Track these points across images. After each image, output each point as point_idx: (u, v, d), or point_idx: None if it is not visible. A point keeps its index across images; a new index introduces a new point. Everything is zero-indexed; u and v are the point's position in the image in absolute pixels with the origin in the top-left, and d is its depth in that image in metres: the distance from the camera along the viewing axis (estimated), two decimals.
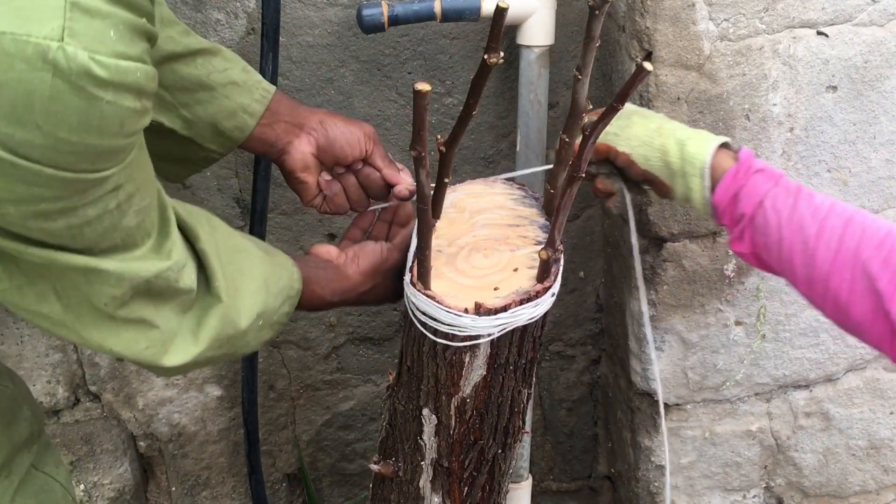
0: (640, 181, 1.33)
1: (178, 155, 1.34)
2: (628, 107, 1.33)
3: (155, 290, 1.04)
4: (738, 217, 1.24)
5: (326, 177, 1.37)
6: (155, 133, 1.28)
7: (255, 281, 1.18)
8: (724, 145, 1.27)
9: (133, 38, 0.87)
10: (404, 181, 1.37)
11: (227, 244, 1.17)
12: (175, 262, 1.05)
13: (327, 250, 1.32)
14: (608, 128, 1.28)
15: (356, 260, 1.31)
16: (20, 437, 1.20)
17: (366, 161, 1.37)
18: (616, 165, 1.34)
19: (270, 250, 1.26)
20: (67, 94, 0.81)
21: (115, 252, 0.98)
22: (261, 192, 1.62)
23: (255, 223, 1.64)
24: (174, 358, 1.09)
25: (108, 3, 0.83)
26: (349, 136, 1.34)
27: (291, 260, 1.27)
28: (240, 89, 1.31)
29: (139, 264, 1.01)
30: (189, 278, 1.08)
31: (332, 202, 1.39)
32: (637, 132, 1.31)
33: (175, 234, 1.07)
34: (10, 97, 0.79)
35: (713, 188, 1.25)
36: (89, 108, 0.83)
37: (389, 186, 1.37)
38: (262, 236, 1.65)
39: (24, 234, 0.92)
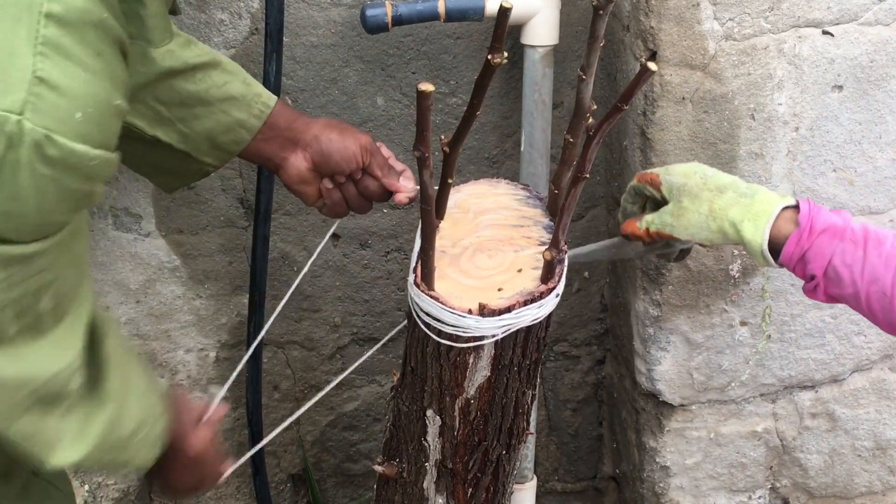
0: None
1: (174, 167, 1.33)
2: (672, 181, 1.34)
3: (46, 398, 0.99)
4: (808, 276, 1.25)
5: (328, 184, 1.37)
6: (151, 146, 1.28)
7: (140, 388, 1.14)
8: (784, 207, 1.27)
9: (102, 121, 0.88)
10: (404, 188, 1.37)
11: (123, 347, 1.13)
12: (72, 360, 1.01)
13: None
14: (662, 216, 1.33)
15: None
16: None
17: (364, 171, 1.36)
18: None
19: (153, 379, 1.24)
20: (13, 167, 0.82)
21: (15, 340, 0.94)
22: (265, 192, 1.62)
23: (259, 223, 1.64)
24: (59, 458, 1.03)
25: (82, 83, 0.84)
26: (344, 150, 1.33)
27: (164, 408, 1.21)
28: (238, 104, 1.31)
29: (39, 363, 0.97)
30: (77, 380, 1.03)
31: (333, 209, 1.39)
32: (691, 220, 1.31)
33: (82, 330, 1.03)
34: None
35: (778, 254, 1.26)
36: (32, 185, 0.84)
37: (389, 192, 1.38)
38: (266, 236, 1.66)
39: None
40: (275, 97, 1.35)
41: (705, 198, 1.31)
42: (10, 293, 0.91)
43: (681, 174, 1.34)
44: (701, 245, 1.38)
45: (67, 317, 1.00)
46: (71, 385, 1.01)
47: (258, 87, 1.34)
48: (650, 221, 1.35)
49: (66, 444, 1.03)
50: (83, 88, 0.85)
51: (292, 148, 1.34)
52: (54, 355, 0.99)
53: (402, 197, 1.37)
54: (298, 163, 1.34)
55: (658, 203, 1.38)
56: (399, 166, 1.39)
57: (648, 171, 1.38)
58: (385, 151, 1.39)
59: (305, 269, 1.50)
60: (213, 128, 1.30)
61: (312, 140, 1.34)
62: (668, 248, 1.40)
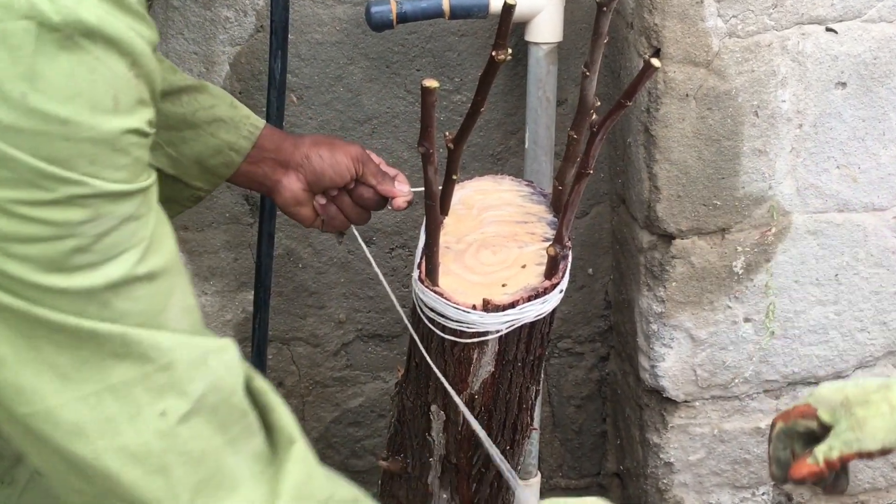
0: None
1: (165, 195, 1.26)
2: (830, 400, 1.22)
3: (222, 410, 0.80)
4: None
5: (321, 200, 1.35)
6: None
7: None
8: None
9: None
10: (400, 193, 1.35)
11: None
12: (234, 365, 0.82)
13: None
14: (841, 437, 1.19)
15: None
16: None
17: (358, 181, 1.35)
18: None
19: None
20: (52, 48, 0.69)
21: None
22: None
23: (265, 220, 1.64)
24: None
25: None
26: (336, 165, 1.32)
27: None
28: (226, 126, 1.30)
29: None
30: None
31: (331, 224, 1.37)
32: (877, 424, 1.20)
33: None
34: None
35: None
36: (75, 68, 0.69)
37: (386, 199, 1.36)
38: (270, 234, 1.66)
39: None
40: (263, 121, 1.34)
41: (877, 399, 1.21)
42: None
43: (832, 392, 1.23)
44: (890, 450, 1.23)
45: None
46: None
47: (246, 110, 1.33)
48: (829, 450, 1.20)
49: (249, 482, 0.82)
50: None
51: (283, 170, 1.32)
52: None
53: (399, 201, 1.35)
54: (292, 184, 1.33)
55: (813, 436, 1.25)
56: (391, 171, 1.37)
57: (791, 408, 1.27)
58: (375, 158, 1.38)
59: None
60: (202, 151, 1.29)
61: (303, 160, 1.32)
62: (837, 480, 1.26)
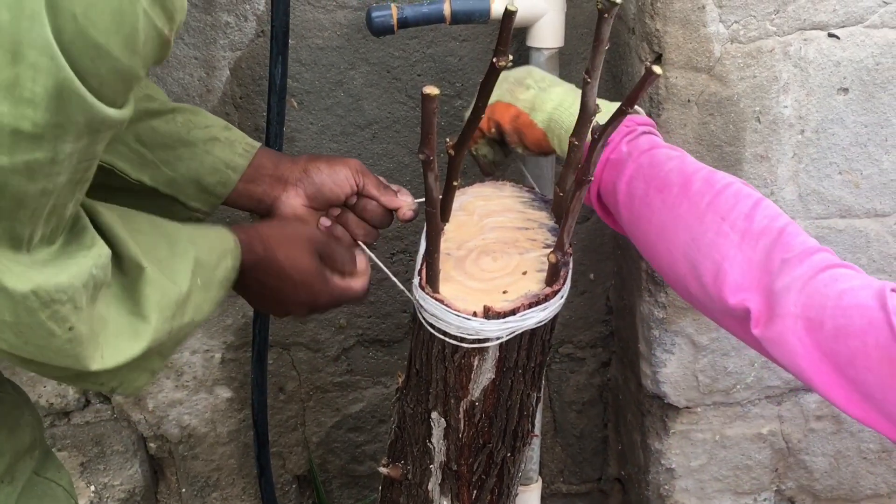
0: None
1: (163, 216, 1.30)
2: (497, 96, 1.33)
3: (93, 286, 0.93)
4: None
5: (326, 222, 1.34)
6: (137, 194, 1.26)
7: (180, 239, 1.09)
8: None
9: None
10: (404, 203, 1.35)
11: (127, 216, 1.06)
12: (102, 250, 0.95)
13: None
14: (499, 95, 1.32)
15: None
16: (23, 444, 1.19)
17: (360, 194, 1.34)
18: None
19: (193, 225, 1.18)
20: None
21: (37, 249, 0.88)
22: None
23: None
24: (135, 346, 0.98)
25: None
26: (335, 177, 1.31)
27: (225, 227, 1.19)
28: (221, 145, 1.29)
29: (80, 262, 0.91)
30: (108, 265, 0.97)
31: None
32: (526, 96, 1.31)
33: (86, 220, 0.96)
34: None
35: None
36: (125, 9, 0.77)
37: (390, 211, 1.36)
38: None
39: None
40: (257, 142, 1.33)
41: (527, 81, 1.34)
42: (69, 173, 0.84)
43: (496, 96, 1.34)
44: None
45: (73, 221, 0.93)
46: (108, 273, 0.95)
47: (239, 132, 1.33)
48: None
49: (128, 332, 0.98)
50: None
51: (282, 187, 1.32)
52: (83, 256, 0.92)
53: (406, 211, 1.35)
54: (291, 200, 1.32)
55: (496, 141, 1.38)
56: (394, 186, 1.37)
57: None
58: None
59: None
60: (199, 169, 1.28)
61: (301, 174, 1.32)
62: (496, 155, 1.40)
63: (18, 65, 0.75)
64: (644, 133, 1.21)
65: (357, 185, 1.33)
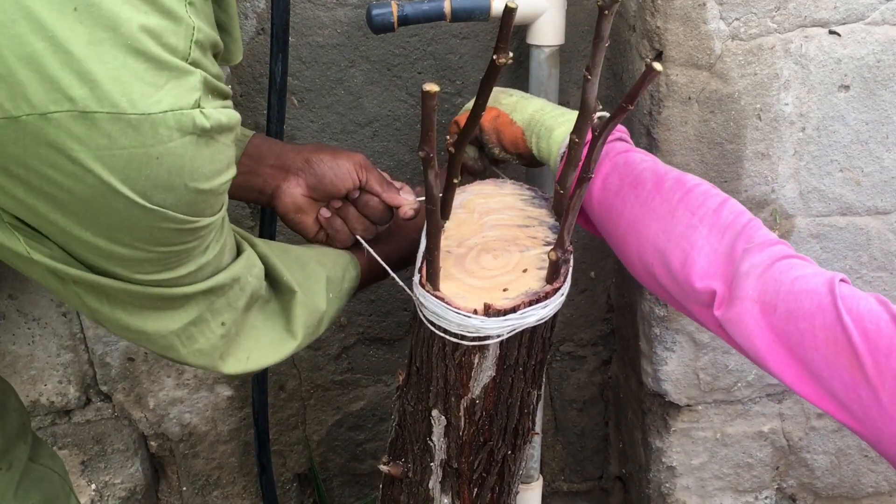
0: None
1: None
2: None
3: (249, 293, 1.15)
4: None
5: (326, 213, 1.34)
6: None
7: (310, 262, 1.27)
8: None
9: (223, 76, 0.97)
10: (406, 200, 1.35)
11: (269, 243, 1.24)
12: (255, 260, 1.17)
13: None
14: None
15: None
16: (13, 429, 1.21)
17: (362, 189, 1.34)
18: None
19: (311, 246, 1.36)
20: (203, 148, 0.91)
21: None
22: None
23: (266, 223, 1.64)
24: (279, 355, 1.21)
25: (207, 69, 0.93)
26: (338, 169, 1.31)
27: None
28: None
29: (233, 265, 1.11)
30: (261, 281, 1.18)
31: (336, 238, 1.36)
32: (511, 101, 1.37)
33: (244, 243, 1.17)
34: (167, 167, 0.89)
35: None
36: (215, 155, 0.93)
37: (391, 208, 1.35)
38: (272, 236, 1.66)
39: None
40: (251, 130, 1.34)
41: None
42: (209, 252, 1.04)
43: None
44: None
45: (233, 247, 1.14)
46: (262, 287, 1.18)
47: None
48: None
49: (276, 345, 1.21)
50: (208, 64, 0.95)
51: (283, 175, 1.32)
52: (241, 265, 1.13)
53: (407, 209, 1.35)
54: (292, 189, 1.31)
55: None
56: (396, 184, 1.37)
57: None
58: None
59: None
60: None
61: (303, 164, 1.31)
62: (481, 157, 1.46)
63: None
64: (618, 139, 1.30)
65: (360, 180, 1.32)
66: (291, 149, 1.33)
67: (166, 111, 0.87)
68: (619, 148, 1.28)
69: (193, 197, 0.93)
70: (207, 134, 0.91)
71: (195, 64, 0.90)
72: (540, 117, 1.35)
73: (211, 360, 1.13)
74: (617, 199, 1.23)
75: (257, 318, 1.19)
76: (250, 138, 1.32)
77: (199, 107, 0.90)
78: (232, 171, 1.00)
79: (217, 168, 0.95)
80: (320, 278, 1.26)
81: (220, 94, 0.94)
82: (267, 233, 1.64)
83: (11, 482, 1.19)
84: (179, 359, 1.10)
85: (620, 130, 1.32)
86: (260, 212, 1.65)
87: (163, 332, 1.07)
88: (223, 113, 0.93)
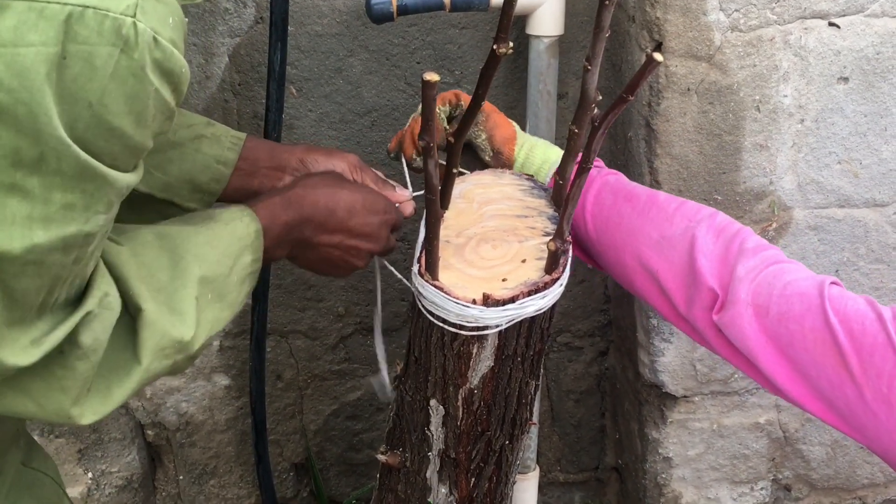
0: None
1: (160, 220, 1.28)
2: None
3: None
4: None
5: None
6: (133, 203, 1.22)
7: (186, 257, 1.07)
8: None
9: (180, 31, 0.87)
10: (404, 196, 1.34)
11: (136, 235, 1.07)
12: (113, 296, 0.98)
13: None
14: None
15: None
16: (7, 434, 1.19)
17: None
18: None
19: (210, 215, 1.15)
20: (126, 73, 0.81)
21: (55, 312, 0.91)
22: None
23: None
24: (120, 392, 1.00)
25: None
26: (333, 170, 1.30)
27: (243, 209, 1.16)
28: (209, 141, 1.28)
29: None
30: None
31: None
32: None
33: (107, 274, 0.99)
34: (74, 72, 0.79)
35: None
36: (138, 91, 0.83)
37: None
38: None
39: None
40: (244, 133, 1.32)
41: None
42: (99, 239, 0.90)
43: None
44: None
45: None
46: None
47: (223, 126, 1.31)
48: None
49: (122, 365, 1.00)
50: None
51: (279, 176, 1.30)
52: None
53: (408, 206, 1.34)
54: None
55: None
56: (390, 182, 1.36)
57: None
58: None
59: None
60: (191, 168, 1.27)
61: (298, 164, 1.30)
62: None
63: (42, 145, 0.80)
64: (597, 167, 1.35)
65: (355, 181, 1.32)
66: (284, 149, 1.32)
67: (87, 6, 0.78)
68: (607, 169, 1.34)
69: (95, 124, 0.81)
70: (133, 57, 0.81)
71: None
72: (538, 140, 1.39)
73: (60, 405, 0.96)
74: (613, 211, 1.27)
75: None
76: (244, 140, 1.31)
77: (133, 17, 0.80)
78: (151, 143, 0.88)
79: (136, 110, 0.83)
80: (189, 281, 1.06)
81: (169, 36, 0.85)
82: None
83: (2, 487, 1.18)
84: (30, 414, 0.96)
85: (598, 162, 1.35)
86: None
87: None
88: (165, 49, 0.83)
